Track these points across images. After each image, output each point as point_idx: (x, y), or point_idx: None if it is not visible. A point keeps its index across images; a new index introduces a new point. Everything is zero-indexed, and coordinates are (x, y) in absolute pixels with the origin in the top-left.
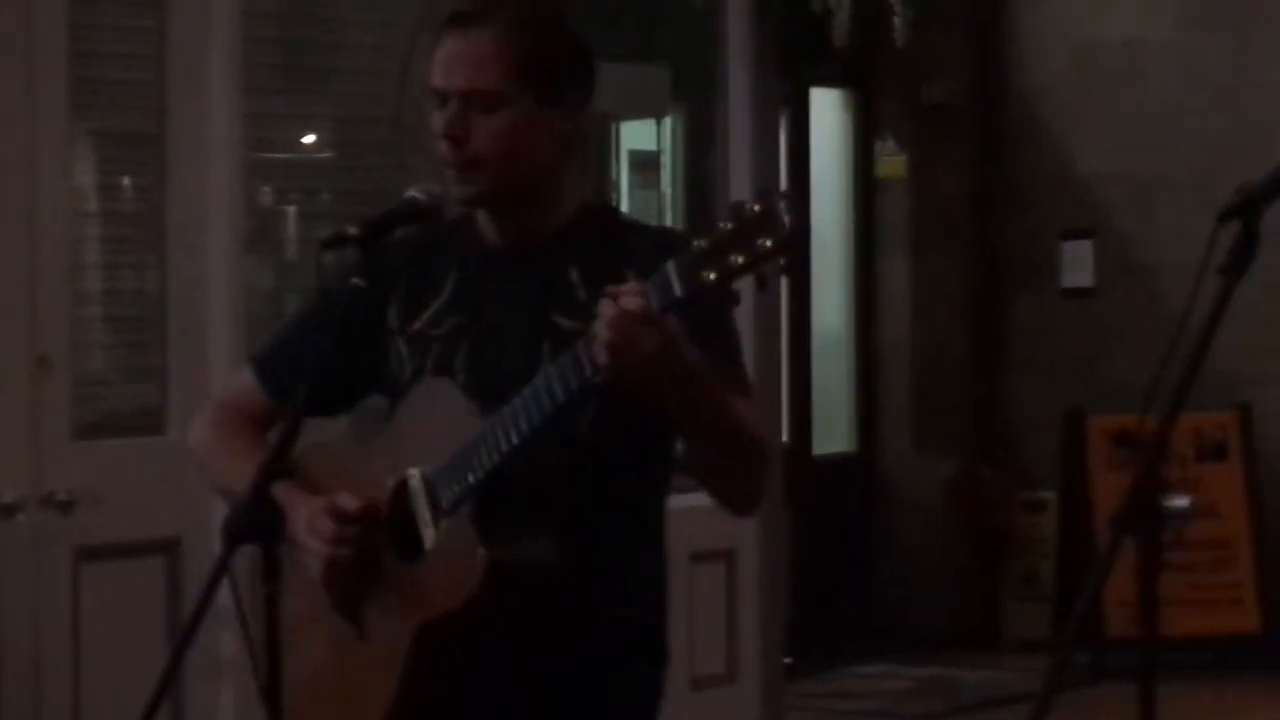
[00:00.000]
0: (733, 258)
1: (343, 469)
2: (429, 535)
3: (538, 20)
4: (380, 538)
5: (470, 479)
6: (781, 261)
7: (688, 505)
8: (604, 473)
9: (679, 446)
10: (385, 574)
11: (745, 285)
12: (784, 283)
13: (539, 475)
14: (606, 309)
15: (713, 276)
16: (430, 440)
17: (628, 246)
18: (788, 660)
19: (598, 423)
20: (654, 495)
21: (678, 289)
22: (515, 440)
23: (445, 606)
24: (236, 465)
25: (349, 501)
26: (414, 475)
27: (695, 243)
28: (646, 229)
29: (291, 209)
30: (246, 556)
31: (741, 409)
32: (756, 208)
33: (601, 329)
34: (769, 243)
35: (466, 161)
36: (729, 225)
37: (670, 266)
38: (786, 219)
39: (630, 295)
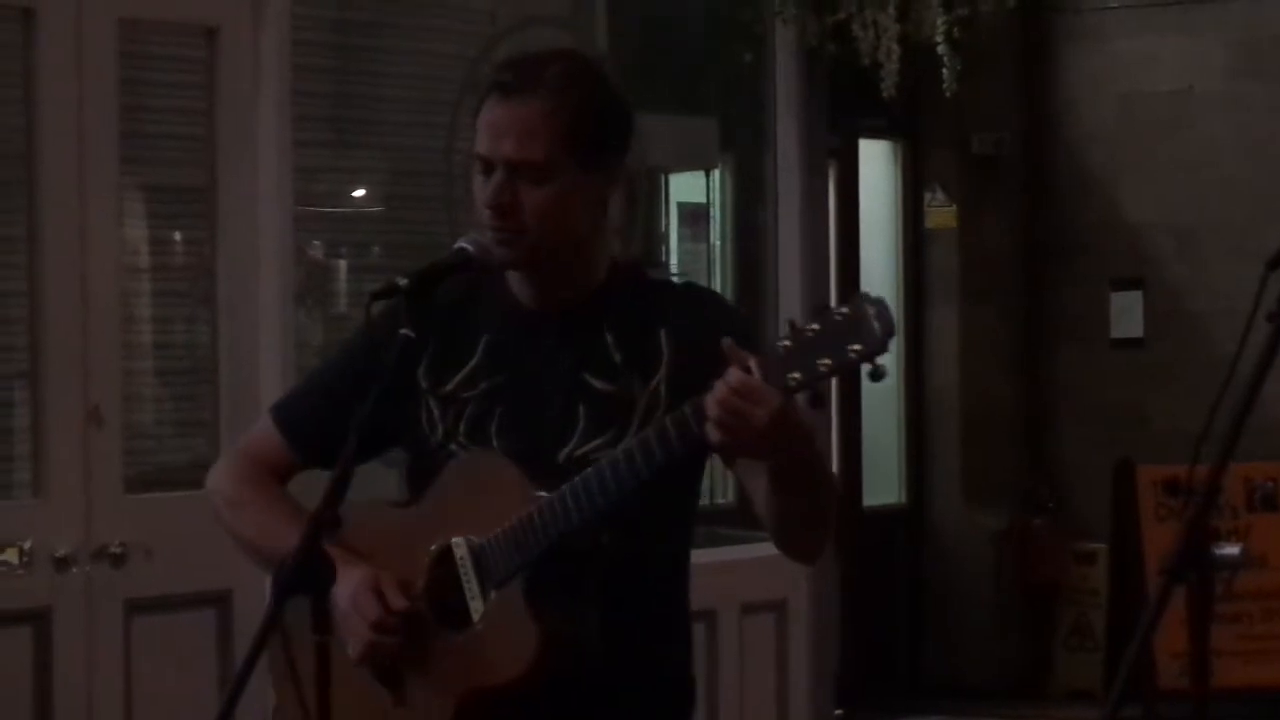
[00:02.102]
0: (820, 361)
1: (384, 531)
2: (476, 607)
3: (583, 86)
4: (423, 605)
5: (526, 553)
6: (880, 365)
7: (738, 557)
8: (639, 546)
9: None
10: (425, 640)
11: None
12: None
13: (583, 552)
14: (718, 387)
15: (798, 377)
16: (479, 510)
17: (660, 307)
18: (838, 712)
19: (648, 499)
20: (683, 556)
21: None
22: (580, 519)
23: (495, 680)
24: (256, 518)
25: (395, 595)
26: (460, 544)
27: (780, 341)
28: (673, 288)
29: (341, 262)
30: (297, 608)
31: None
32: (844, 311)
33: (711, 406)
34: (859, 349)
35: (512, 230)
36: (815, 327)
37: (754, 364)
38: (876, 326)
39: (739, 372)
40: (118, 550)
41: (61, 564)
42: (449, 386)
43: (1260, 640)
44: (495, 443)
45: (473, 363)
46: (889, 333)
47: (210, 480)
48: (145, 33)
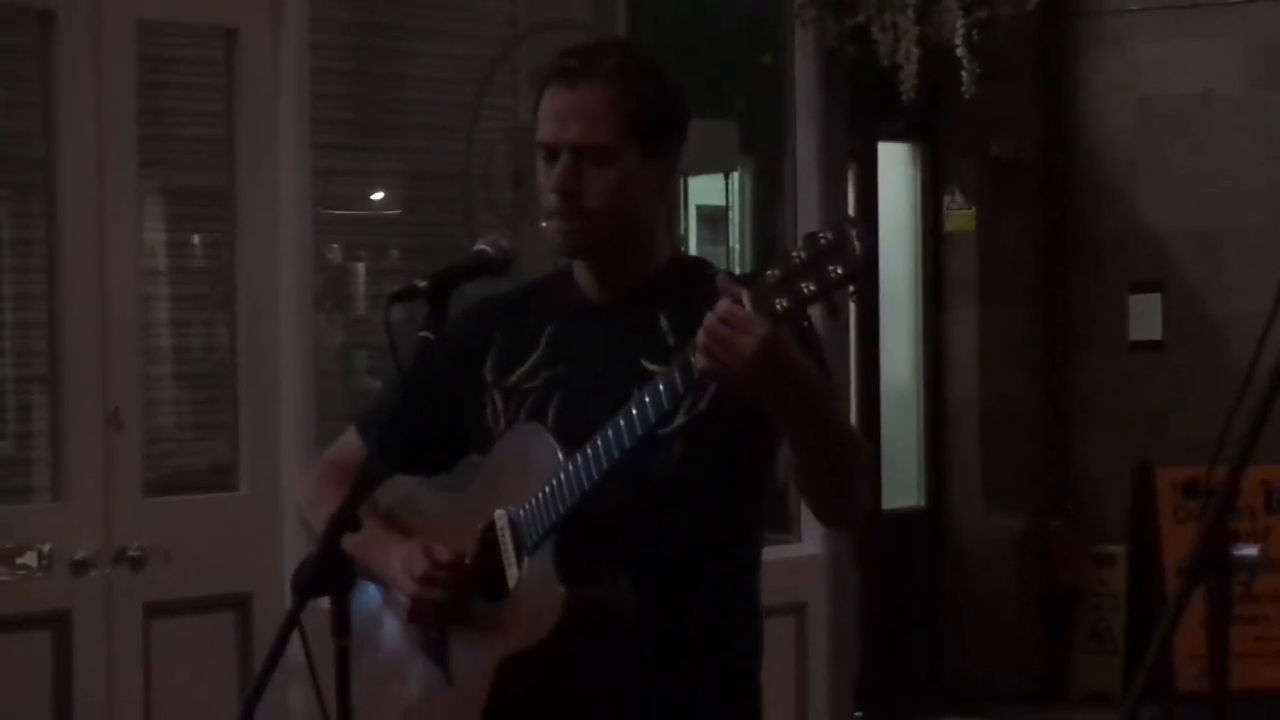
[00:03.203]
0: (805, 286)
1: (435, 516)
2: (513, 574)
3: (643, 72)
4: (470, 582)
5: (553, 515)
6: (853, 289)
7: None
8: (685, 516)
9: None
10: (473, 616)
11: (817, 313)
12: (852, 337)
13: (618, 516)
14: (708, 317)
15: (785, 304)
16: (519, 482)
17: (713, 291)
18: (857, 715)
19: (682, 466)
20: (743, 540)
21: None
22: (598, 473)
23: (527, 641)
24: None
25: (441, 550)
26: (501, 515)
27: (768, 272)
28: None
29: (361, 265)
30: (317, 610)
31: (843, 411)
32: (828, 236)
33: (700, 334)
34: (840, 270)
35: (577, 214)
36: (801, 254)
37: (745, 296)
38: (857, 245)
39: (728, 301)
40: (137, 554)
41: (80, 567)
42: (512, 379)
43: (1278, 642)
44: (552, 428)
45: (535, 355)
46: (870, 251)
47: (297, 489)
48: (164, 35)
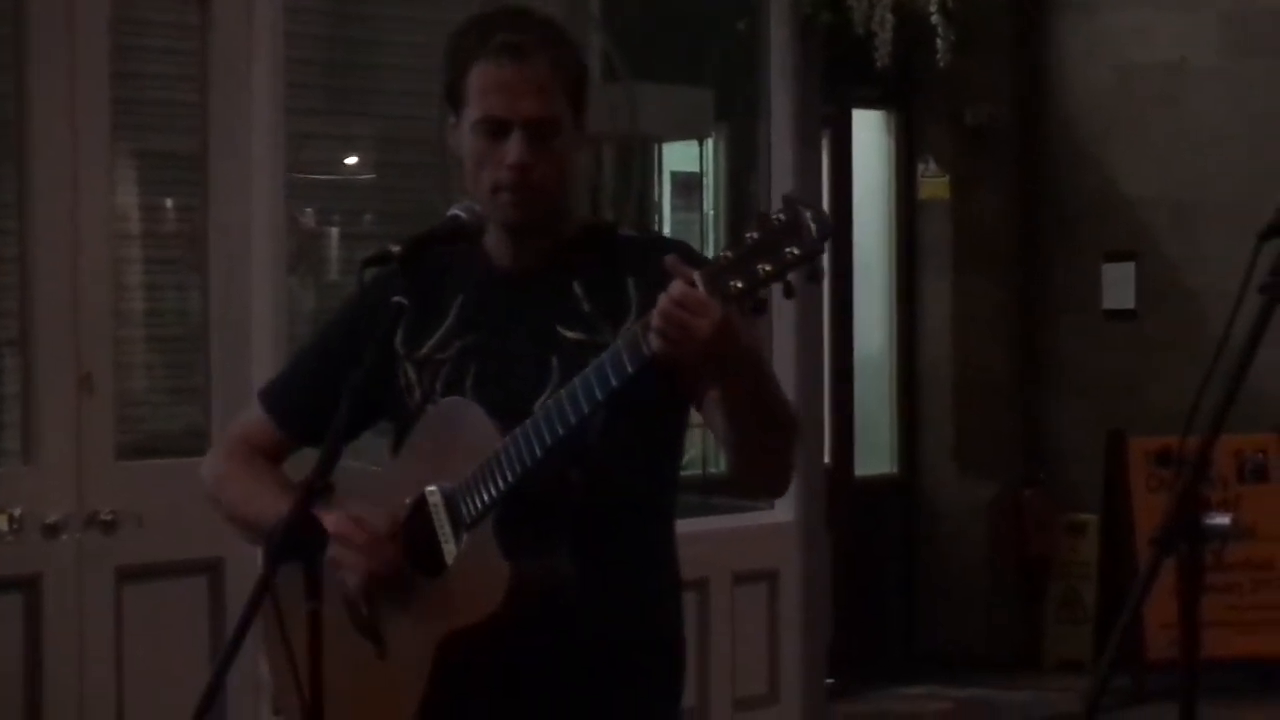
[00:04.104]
0: (760, 266)
1: (363, 491)
2: (450, 550)
3: (566, 40)
4: (401, 554)
5: (494, 491)
6: (822, 267)
7: (730, 526)
8: (617, 481)
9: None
10: (405, 590)
11: (784, 314)
12: (825, 304)
13: (556, 487)
14: (662, 300)
15: (739, 285)
16: (450, 457)
17: (627, 255)
18: (830, 681)
19: (609, 431)
20: (663, 508)
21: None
22: (541, 450)
23: (470, 618)
24: (246, 492)
25: (378, 520)
26: (433, 491)
27: (722, 252)
28: (643, 237)
29: (334, 230)
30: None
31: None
32: (782, 216)
33: (655, 317)
34: (796, 251)
35: (531, 187)
36: (755, 235)
37: (697, 276)
38: (813, 227)
39: (682, 283)
40: (108, 517)
41: (52, 531)
42: (424, 350)
43: (1250, 611)
44: (470, 398)
45: (446, 325)
46: (825, 234)
47: (203, 466)
48: None
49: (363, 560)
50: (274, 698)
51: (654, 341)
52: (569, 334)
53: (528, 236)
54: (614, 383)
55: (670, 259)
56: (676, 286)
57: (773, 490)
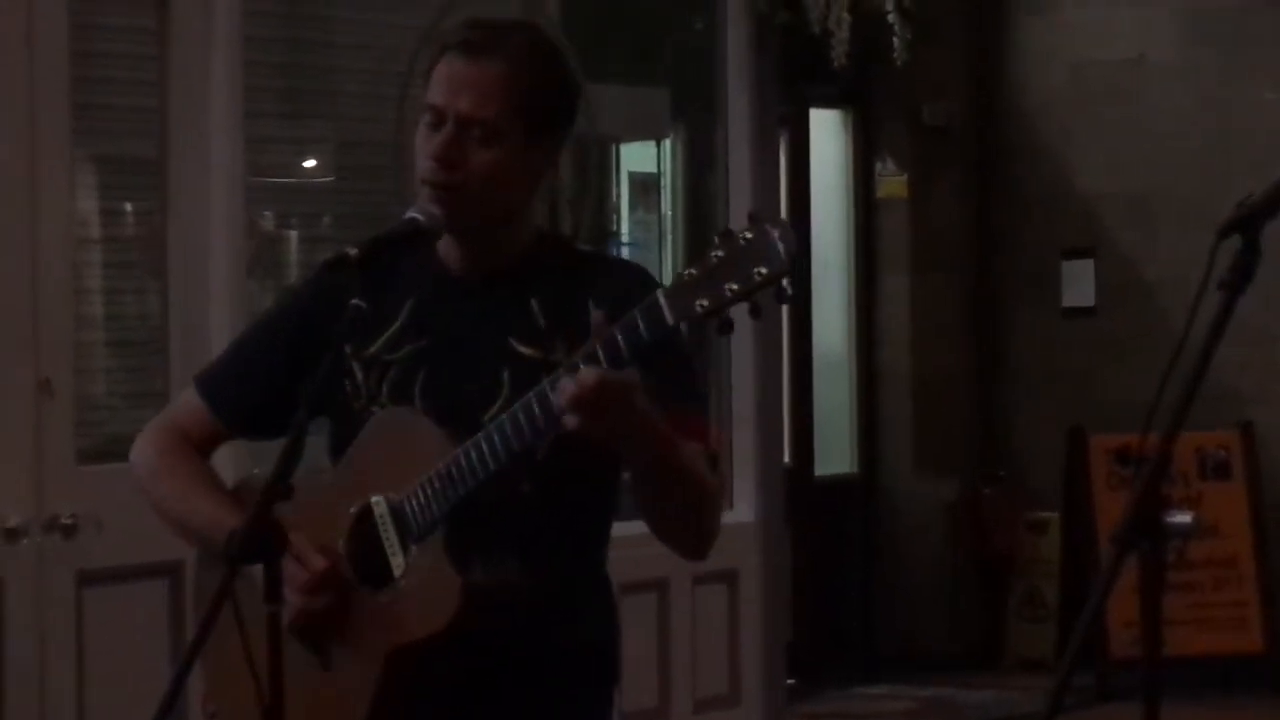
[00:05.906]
0: (726, 286)
1: (307, 498)
2: (397, 563)
3: (545, 60)
4: (344, 567)
5: (443, 505)
6: (786, 286)
7: None
8: (560, 497)
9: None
10: (348, 603)
11: (740, 312)
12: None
13: (503, 501)
14: (568, 387)
15: (705, 304)
16: (396, 467)
17: (587, 276)
18: (790, 681)
19: (554, 449)
20: (605, 520)
21: (669, 317)
22: (493, 466)
23: (421, 631)
24: (177, 488)
25: (315, 558)
26: (379, 502)
27: (687, 270)
28: (604, 259)
29: (292, 233)
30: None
31: (690, 456)
32: (749, 235)
33: (565, 404)
34: (764, 271)
35: (450, 186)
36: (720, 253)
37: (660, 295)
38: (780, 246)
39: (592, 372)
40: (69, 521)
41: (12, 535)
42: (371, 350)
43: (1212, 609)
44: (418, 404)
45: (396, 325)
46: (792, 254)
47: (133, 452)
48: (96, 3)
49: (300, 597)
50: (203, 699)
51: (569, 420)
52: (522, 349)
53: (474, 242)
54: (541, 422)
55: (597, 316)
56: (584, 374)
57: (686, 555)
